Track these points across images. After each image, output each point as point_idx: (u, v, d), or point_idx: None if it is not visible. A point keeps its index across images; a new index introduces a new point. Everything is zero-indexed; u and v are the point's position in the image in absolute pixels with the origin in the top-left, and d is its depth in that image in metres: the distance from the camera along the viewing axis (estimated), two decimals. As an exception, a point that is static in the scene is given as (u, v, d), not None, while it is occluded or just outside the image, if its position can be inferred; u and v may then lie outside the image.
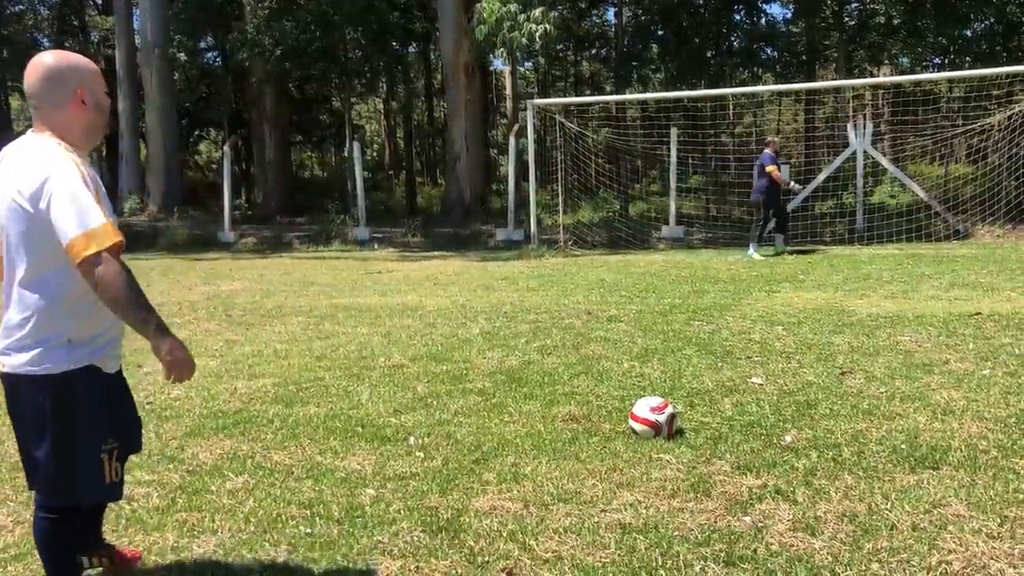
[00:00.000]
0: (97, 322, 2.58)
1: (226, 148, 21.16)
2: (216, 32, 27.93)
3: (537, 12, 15.59)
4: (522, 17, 15.71)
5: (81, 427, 2.55)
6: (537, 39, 15.73)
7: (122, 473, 2.68)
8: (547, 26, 15.65)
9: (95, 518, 2.95)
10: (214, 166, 34.97)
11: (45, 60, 2.58)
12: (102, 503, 2.91)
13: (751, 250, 13.58)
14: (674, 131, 17.24)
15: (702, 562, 2.95)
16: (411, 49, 30.47)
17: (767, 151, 13.69)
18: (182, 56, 29.32)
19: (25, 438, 2.61)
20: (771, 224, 14.05)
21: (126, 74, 24.70)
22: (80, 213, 2.39)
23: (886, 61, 28.23)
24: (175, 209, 23.11)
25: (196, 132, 36.21)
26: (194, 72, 32.02)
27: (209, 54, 32.59)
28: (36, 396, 2.51)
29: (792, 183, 15.19)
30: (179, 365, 2.54)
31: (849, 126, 17.21)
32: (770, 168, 13.38)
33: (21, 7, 31.45)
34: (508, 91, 27.04)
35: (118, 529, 3.33)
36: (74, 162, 2.49)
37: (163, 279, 12.56)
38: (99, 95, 2.64)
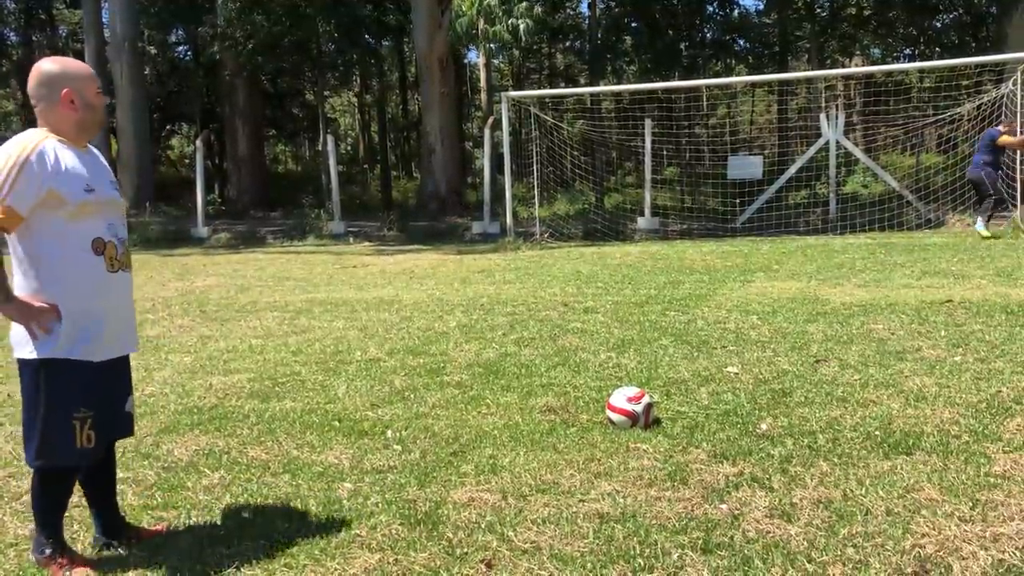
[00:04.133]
0: None
1: (198, 143, 20.97)
2: (187, 25, 27.64)
3: (522, 6, 15.53)
4: (501, 10, 15.64)
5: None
6: (522, 34, 15.66)
7: None
8: (529, 22, 15.60)
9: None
10: (187, 161, 34.67)
11: (42, 66, 3.01)
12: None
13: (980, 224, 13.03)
14: (648, 123, 17.28)
15: (680, 550, 2.97)
16: (385, 42, 30.33)
17: (999, 127, 13.14)
18: (152, 50, 28.98)
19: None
20: (988, 203, 13.04)
21: (95, 68, 24.18)
22: None
23: (858, 52, 28.51)
24: (147, 204, 22.86)
25: (168, 127, 35.86)
26: (165, 66, 31.66)
27: (180, 48, 32.27)
28: None
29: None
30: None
31: (822, 116, 17.35)
32: (1003, 139, 12.79)
33: (-13, 1, 30.96)
34: (483, 84, 26.99)
35: (92, 529, 3.30)
36: (25, 146, 2.85)
37: (136, 275, 12.39)
38: (88, 96, 3.03)
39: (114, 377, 3.12)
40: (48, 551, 3.00)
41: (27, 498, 3.63)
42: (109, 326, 3.04)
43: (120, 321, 3.11)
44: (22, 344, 2.93)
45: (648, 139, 17.15)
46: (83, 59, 24.49)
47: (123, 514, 3.36)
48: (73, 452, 2.95)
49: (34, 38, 32.52)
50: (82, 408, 2.94)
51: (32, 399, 2.94)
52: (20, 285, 2.91)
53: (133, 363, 6.03)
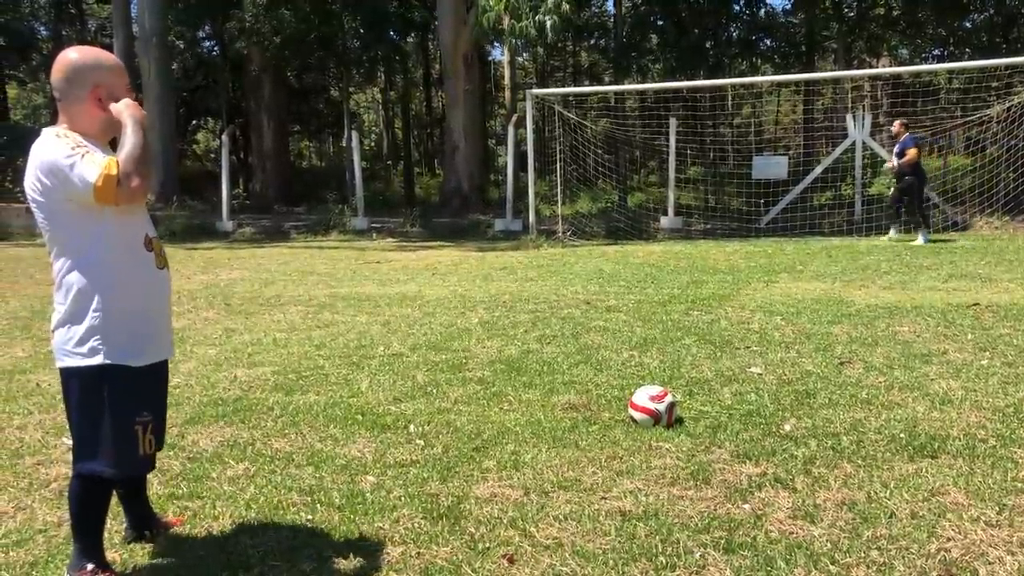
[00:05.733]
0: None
1: (224, 137, 21.10)
2: (214, 21, 27.84)
3: (550, 2, 15.47)
4: (528, 6, 15.58)
5: None
6: (549, 31, 15.59)
7: None
8: (556, 18, 15.55)
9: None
10: (212, 155, 34.94)
11: (68, 56, 2.75)
12: None
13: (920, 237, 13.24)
14: (673, 122, 17.22)
15: (702, 549, 2.97)
16: (410, 39, 30.40)
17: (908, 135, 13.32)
18: (181, 44, 29.21)
19: None
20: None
21: (124, 62, 24.61)
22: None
23: (885, 52, 28.21)
24: (173, 198, 23.06)
25: (194, 121, 36.17)
26: (192, 61, 31.92)
27: (207, 43, 32.52)
28: None
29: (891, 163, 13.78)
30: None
31: (848, 117, 17.21)
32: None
33: (18, -6, 31.31)
34: (507, 81, 27.00)
35: (119, 516, 3.34)
36: (74, 139, 2.64)
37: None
38: (118, 92, 2.78)
39: (164, 380, 3.02)
40: (91, 566, 2.84)
41: (56, 485, 3.69)
42: (162, 325, 2.93)
43: (165, 322, 2.97)
44: (77, 351, 2.70)
45: (672, 138, 17.08)
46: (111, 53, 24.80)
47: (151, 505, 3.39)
48: (138, 460, 2.82)
49: (64, 32, 32.87)
50: (144, 412, 2.80)
51: (92, 407, 2.73)
52: (79, 287, 2.69)
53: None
